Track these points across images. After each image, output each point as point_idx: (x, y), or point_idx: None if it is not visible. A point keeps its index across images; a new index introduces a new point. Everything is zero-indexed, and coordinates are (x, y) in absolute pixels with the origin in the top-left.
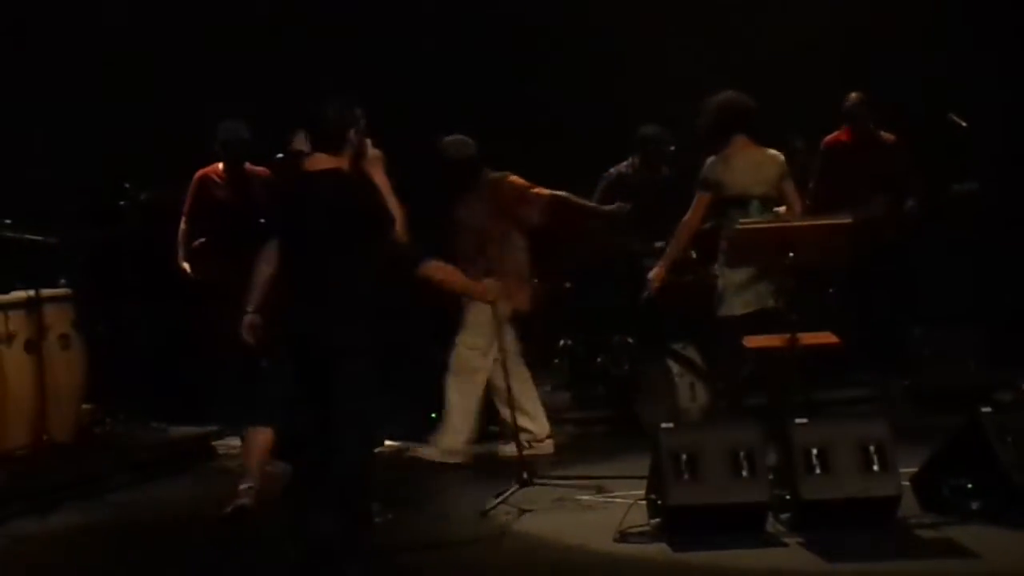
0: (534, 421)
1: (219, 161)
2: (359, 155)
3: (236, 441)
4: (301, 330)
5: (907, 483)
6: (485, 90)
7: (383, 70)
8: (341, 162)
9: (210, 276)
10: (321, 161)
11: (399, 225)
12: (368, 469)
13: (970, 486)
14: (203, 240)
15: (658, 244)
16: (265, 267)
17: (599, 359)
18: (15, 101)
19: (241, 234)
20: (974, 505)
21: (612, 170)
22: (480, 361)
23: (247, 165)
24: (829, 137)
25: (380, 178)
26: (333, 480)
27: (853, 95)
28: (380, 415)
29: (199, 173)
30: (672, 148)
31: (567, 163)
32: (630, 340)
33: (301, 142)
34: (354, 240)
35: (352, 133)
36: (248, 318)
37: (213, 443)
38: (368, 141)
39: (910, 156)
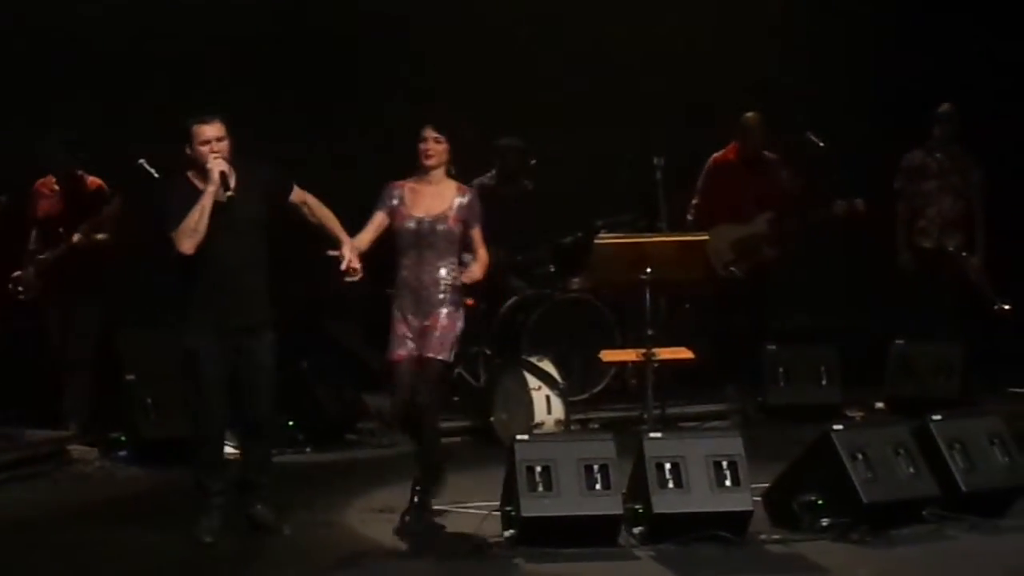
0: None
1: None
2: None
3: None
4: None
5: (759, 498)
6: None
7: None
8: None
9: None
10: None
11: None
12: None
13: (820, 503)
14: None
15: (519, 258)
16: None
17: (456, 370)
18: None
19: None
20: (824, 521)
21: (475, 181)
22: None
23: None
24: (716, 155)
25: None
26: None
27: (750, 115)
28: None
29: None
30: (533, 161)
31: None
32: (487, 351)
33: None
34: None
35: (186, 149)
36: None
37: (68, 448)
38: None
39: (792, 174)
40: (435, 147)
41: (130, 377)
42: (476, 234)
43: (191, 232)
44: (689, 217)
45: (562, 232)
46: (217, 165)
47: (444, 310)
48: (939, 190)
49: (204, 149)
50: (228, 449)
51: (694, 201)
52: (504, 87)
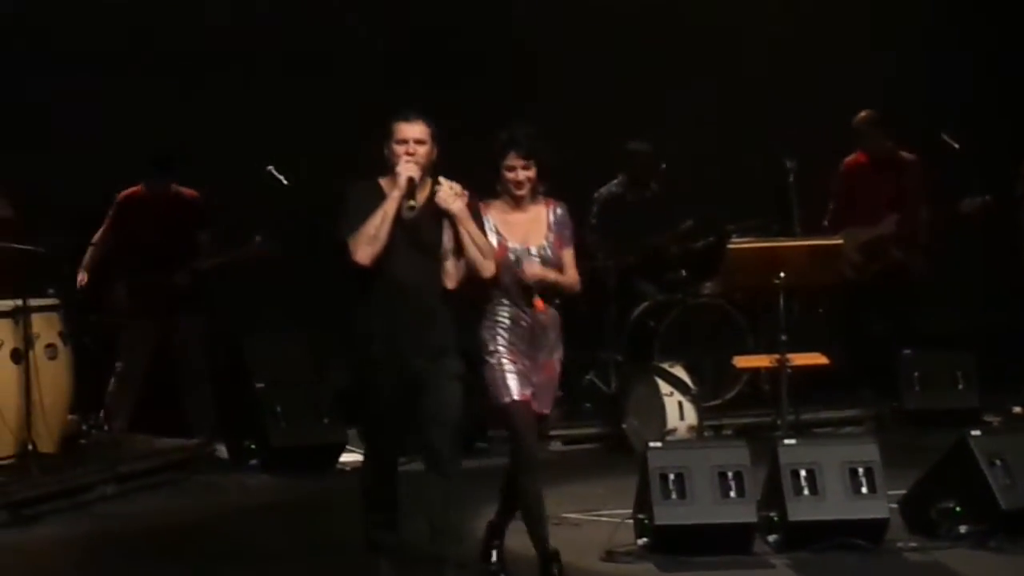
0: None
1: None
2: None
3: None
4: None
5: (895, 505)
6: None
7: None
8: None
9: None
10: None
11: None
12: None
13: (958, 509)
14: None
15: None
16: None
17: (588, 376)
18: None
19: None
20: (962, 529)
21: (603, 189)
22: None
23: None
24: (848, 159)
25: None
26: None
27: (862, 114)
28: None
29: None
30: (663, 165)
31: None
32: (619, 357)
33: None
34: None
35: (384, 148)
36: None
37: (198, 454)
38: None
39: (923, 174)
40: (525, 175)
41: (259, 385)
42: (568, 256)
43: (370, 239)
44: (825, 223)
45: (692, 236)
46: (407, 170)
47: (558, 355)
48: None
49: (399, 149)
50: (354, 456)
51: (830, 206)
52: (631, 89)
